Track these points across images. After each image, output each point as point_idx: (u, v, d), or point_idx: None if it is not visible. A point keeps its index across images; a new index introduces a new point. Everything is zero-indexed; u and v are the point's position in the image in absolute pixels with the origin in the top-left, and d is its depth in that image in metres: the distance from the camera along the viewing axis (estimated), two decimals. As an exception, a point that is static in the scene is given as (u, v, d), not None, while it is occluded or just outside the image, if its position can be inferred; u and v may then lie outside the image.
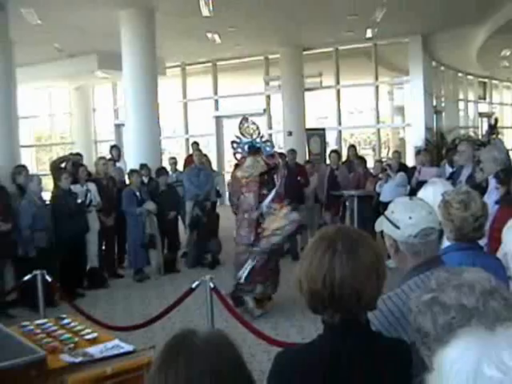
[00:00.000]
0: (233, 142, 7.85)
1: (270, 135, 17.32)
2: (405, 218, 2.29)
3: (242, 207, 7.52)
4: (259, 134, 7.78)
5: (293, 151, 11.42)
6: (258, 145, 7.65)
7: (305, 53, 16.44)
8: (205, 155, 12.38)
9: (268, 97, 17.95)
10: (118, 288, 9.07)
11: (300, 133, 16.14)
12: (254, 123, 7.85)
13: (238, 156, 7.81)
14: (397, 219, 2.31)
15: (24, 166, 8.75)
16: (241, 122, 7.83)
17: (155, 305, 7.65)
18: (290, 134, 16.24)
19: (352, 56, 17.03)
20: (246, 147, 7.64)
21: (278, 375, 1.74)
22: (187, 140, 18.40)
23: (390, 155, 12.86)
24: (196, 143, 12.67)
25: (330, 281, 1.69)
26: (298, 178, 10.84)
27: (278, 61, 16.72)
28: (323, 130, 16.37)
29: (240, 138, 7.71)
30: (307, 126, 16.52)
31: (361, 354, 1.71)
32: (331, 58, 16.87)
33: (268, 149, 7.73)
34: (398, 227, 2.30)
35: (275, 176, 7.68)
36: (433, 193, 3.49)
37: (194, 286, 5.49)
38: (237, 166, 7.91)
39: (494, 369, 0.86)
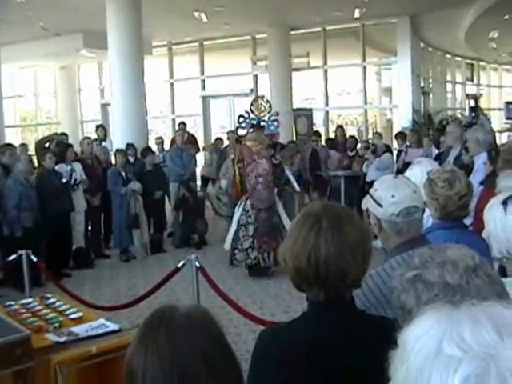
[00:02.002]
0: (240, 117, 8.02)
1: (257, 115, 17.27)
2: (387, 196, 2.28)
3: (255, 172, 7.72)
4: (269, 112, 7.99)
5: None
6: (263, 122, 7.84)
7: (292, 32, 16.34)
8: (192, 135, 12.38)
9: (255, 77, 17.84)
10: (104, 268, 9.06)
11: (287, 113, 16.07)
12: (267, 101, 8.06)
13: (242, 131, 8.04)
14: (380, 197, 2.31)
15: (9, 145, 8.69)
16: (254, 99, 8.17)
17: (141, 284, 7.67)
18: (277, 114, 16.16)
19: (340, 36, 16.94)
20: (253, 122, 7.91)
21: (262, 352, 1.74)
22: (174, 120, 18.30)
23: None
24: (183, 123, 12.62)
25: (315, 258, 1.68)
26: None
27: (265, 41, 16.61)
28: (310, 110, 16.31)
29: (248, 114, 7.87)
30: (294, 107, 16.47)
31: (345, 331, 1.71)
32: (319, 38, 16.78)
33: (272, 128, 7.95)
34: (380, 205, 2.30)
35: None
36: (420, 172, 3.49)
37: (179, 265, 5.49)
38: (237, 140, 8.18)
39: (454, 347, 0.85)
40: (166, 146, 12.01)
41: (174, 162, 10.64)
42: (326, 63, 17.01)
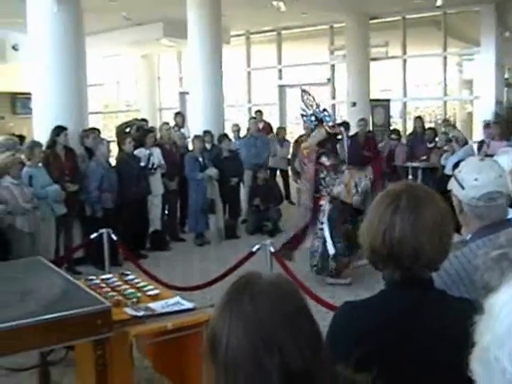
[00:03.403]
0: (302, 116, 7.89)
1: (334, 105, 17.14)
2: (470, 178, 2.21)
3: (304, 176, 7.64)
4: (317, 104, 7.77)
5: (363, 121, 11.33)
6: (319, 115, 7.64)
7: (371, 22, 16.08)
8: (268, 124, 12.43)
9: (332, 66, 17.69)
10: (179, 251, 9.25)
11: (364, 104, 15.88)
12: (310, 94, 7.84)
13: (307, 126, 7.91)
14: (462, 179, 2.24)
15: (93, 129, 9.00)
16: (302, 95, 7.81)
17: (215, 268, 7.75)
18: (354, 104, 16.00)
19: (420, 25, 16.54)
20: (312, 118, 7.64)
21: (342, 324, 1.75)
22: (250, 109, 18.40)
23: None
24: (259, 111, 12.69)
25: (390, 237, 1.65)
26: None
27: (343, 30, 16.43)
28: (388, 101, 16.06)
29: (305, 110, 7.72)
30: (371, 97, 16.24)
31: (422, 310, 1.68)
32: (398, 27, 16.45)
33: (328, 119, 7.71)
34: (462, 187, 2.23)
35: (338, 146, 7.69)
36: (507, 159, 3.35)
37: (254, 249, 5.55)
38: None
39: None
40: (243, 134, 12.11)
41: (248, 149, 10.75)
42: (405, 53, 16.66)
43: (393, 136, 11.84)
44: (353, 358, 1.43)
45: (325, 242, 7.33)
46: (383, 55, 16.70)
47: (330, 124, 7.68)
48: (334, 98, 17.70)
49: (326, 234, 7.33)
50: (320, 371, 1.28)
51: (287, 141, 12.39)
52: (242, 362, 1.25)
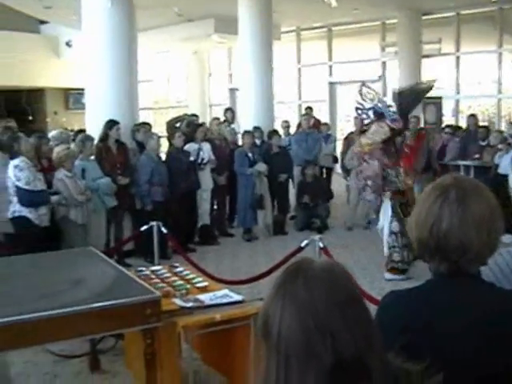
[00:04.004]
0: (357, 109, 7.73)
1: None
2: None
3: (364, 174, 7.47)
4: (380, 99, 7.59)
5: (415, 118, 11.15)
6: (380, 110, 7.46)
7: (424, 18, 15.82)
8: (318, 120, 12.39)
9: (384, 63, 17.49)
10: (227, 246, 9.31)
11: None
12: (372, 88, 7.70)
13: (365, 121, 7.71)
14: None
15: (144, 124, 9.13)
16: (360, 88, 7.68)
17: (262, 263, 7.78)
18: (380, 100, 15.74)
19: (474, 21, 16.19)
20: (370, 112, 7.49)
21: (387, 313, 1.73)
22: (300, 106, 18.35)
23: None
24: (310, 108, 12.65)
25: (437, 230, 1.63)
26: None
27: (395, 26, 16.21)
28: (440, 98, 15.78)
29: (362, 104, 7.56)
30: (423, 95, 15.97)
31: (468, 301, 1.65)
32: (452, 24, 16.14)
33: (391, 113, 7.54)
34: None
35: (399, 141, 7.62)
36: None
37: (303, 244, 5.52)
38: (363, 132, 7.81)
39: None
40: (292, 131, 12.11)
41: (298, 145, 10.75)
42: (458, 50, 16.34)
43: (447, 130, 11.62)
44: (398, 348, 1.42)
45: (395, 234, 7.27)
46: (436, 52, 16.40)
47: (394, 118, 7.53)
48: (385, 95, 17.45)
49: (396, 228, 7.28)
50: (373, 360, 1.27)
51: (332, 136, 12.31)
52: (293, 346, 1.24)
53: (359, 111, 7.64)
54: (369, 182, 7.38)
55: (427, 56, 16.25)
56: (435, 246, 1.65)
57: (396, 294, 1.80)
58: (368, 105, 7.45)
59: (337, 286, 1.29)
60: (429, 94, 15.39)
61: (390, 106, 7.70)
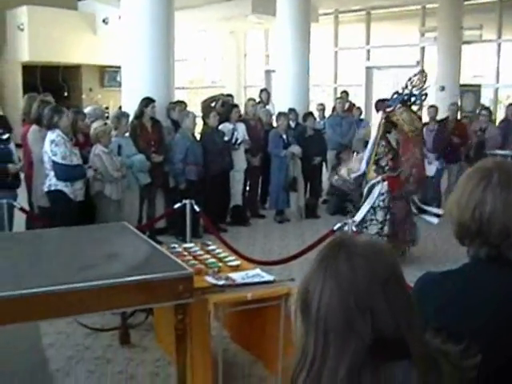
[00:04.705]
0: (395, 93, 7.59)
1: (421, 89, 16.71)
2: None
3: (411, 162, 7.37)
4: (423, 89, 7.42)
5: (454, 105, 10.98)
6: (413, 98, 7.35)
7: (465, 3, 15.50)
8: (353, 104, 12.28)
9: (422, 49, 17.23)
10: (258, 227, 9.33)
11: (453, 88, 15.40)
12: (426, 76, 7.49)
13: (389, 108, 7.56)
14: None
15: (180, 102, 9.16)
16: (415, 74, 7.47)
17: (293, 246, 7.79)
18: (443, 88, 15.53)
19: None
20: (402, 98, 7.36)
21: (421, 294, 1.72)
22: (335, 89, 18.21)
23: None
24: (345, 92, 12.55)
25: (480, 214, 1.60)
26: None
27: (435, 11, 15.93)
28: (479, 86, 15.51)
29: (403, 89, 7.41)
30: (461, 82, 15.72)
31: (505, 287, 1.63)
32: (494, 10, 15.80)
33: (418, 101, 7.41)
34: None
35: None
36: None
37: (335, 227, 5.53)
38: (387, 118, 7.59)
39: None
40: (327, 114, 12.04)
41: (333, 129, 10.70)
42: (500, 37, 16.01)
43: (483, 112, 11.27)
44: (435, 329, 1.41)
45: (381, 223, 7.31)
46: (477, 38, 16.09)
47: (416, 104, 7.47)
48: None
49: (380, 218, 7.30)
50: (413, 340, 1.26)
51: (365, 121, 12.19)
52: (333, 322, 1.24)
53: (395, 95, 7.52)
54: (413, 171, 7.32)
55: (468, 42, 15.95)
56: (477, 229, 1.62)
57: (432, 276, 1.78)
58: (407, 91, 7.34)
59: (379, 262, 1.28)
60: (467, 81, 15.24)
61: (423, 95, 7.52)
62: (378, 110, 7.90)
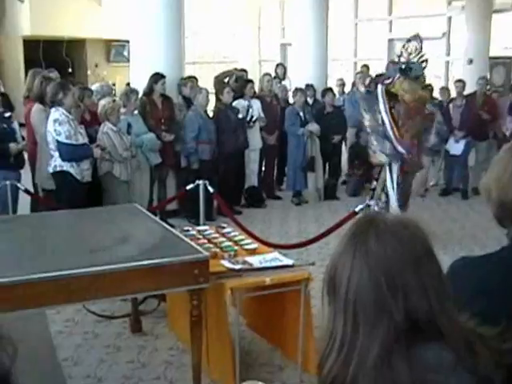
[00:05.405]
0: (390, 63, 7.54)
1: (447, 62, 16.56)
2: None
3: (410, 133, 7.34)
4: (419, 54, 7.29)
5: (483, 79, 10.85)
6: (413, 66, 7.20)
7: (496, -31, 15.32)
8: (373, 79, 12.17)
9: (449, 19, 17.02)
10: (274, 209, 9.34)
11: (482, 61, 15.21)
12: (421, 41, 7.36)
13: (387, 80, 7.45)
14: None
15: (191, 78, 9.13)
16: (409, 39, 7.41)
17: (312, 229, 7.80)
18: (471, 61, 15.35)
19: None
20: (399, 68, 7.23)
21: (454, 279, 1.72)
22: (355, 64, 18.08)
23: None
24: (366, 66, 12.46)
25: None
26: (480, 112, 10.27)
27: (464, -22, 15.74)
28: (510, 59, 15.32)
29: (399, 58, 7.32)
30: (491, 55, 15.53)
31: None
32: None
33: (418, 69, 7.23)
34: None
35: None
36: None
37: (357, 209, 5.52)
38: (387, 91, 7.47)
39: None
40: (347, 90, 11.99)
41: (353, 106, 10.62)
42: (534, 5, 15.79)
43: None
44: (471, 312, 1.41)
45: None
46: (508, 7, 15.87)
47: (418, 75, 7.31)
48: (448, 54, 17.08)
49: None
50: (446, 322, 1.26)
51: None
52: (363, 303, 1.25)
53: (391, 65, 7.45)
54: (415, 141, 7.29)
55: (498, 11, 15.72)
56: None
57: (469, 259, 1.78)
58: (403, 59, 7.21)
59: (411, 239, 1.28)
60: (498, 54, 15.05)
61: (424, 62, 7.35)
62: (376, 84, 7.78)
